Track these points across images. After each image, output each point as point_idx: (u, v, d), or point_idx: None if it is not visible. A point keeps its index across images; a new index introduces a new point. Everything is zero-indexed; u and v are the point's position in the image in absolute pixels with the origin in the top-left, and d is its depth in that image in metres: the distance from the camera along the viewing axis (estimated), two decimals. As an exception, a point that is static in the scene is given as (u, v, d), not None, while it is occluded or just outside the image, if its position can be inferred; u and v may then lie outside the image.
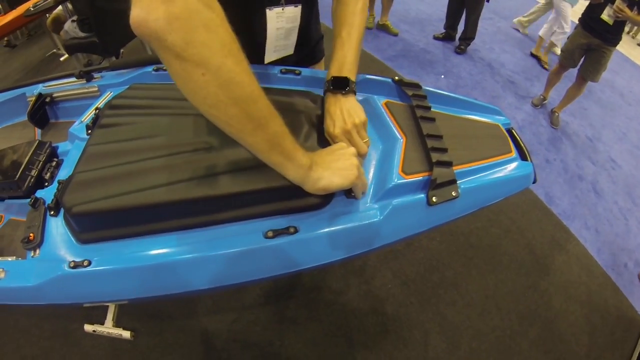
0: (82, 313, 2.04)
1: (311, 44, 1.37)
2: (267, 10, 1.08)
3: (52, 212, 1.04)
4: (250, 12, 1.11)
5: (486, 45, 5.33)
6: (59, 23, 3.70)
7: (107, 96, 1.31)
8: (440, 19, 5.30)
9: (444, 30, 5.24)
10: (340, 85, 0.99)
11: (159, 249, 0.90)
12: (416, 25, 5.53)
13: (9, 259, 1.08)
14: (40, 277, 0.95)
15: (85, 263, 0.90)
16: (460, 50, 5.03)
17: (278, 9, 1.10)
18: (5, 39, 5.32)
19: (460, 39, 5.09)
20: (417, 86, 1.13)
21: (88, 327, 1.31)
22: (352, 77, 1.01)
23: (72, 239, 0.97)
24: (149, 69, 1.33)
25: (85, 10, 2.95)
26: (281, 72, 1.19)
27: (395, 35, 5.17)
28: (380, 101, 1.11)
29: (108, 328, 1.29)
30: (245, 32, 1.10)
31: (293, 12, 1.12)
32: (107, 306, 1.32)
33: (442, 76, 4.55)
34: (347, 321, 2.13)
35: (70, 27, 3.25)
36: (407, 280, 2.33)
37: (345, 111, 0.95)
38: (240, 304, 2.17)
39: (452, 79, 4.52)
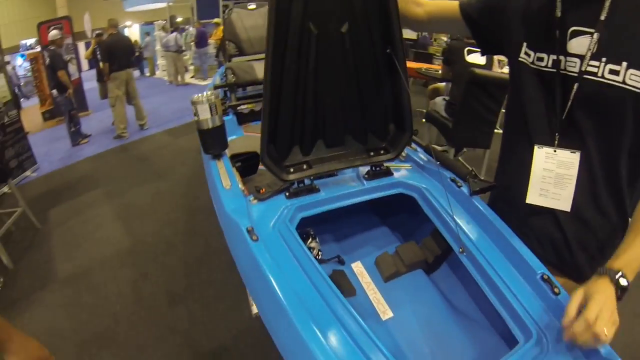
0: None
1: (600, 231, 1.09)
2: (536, 147, 1.06)
3: (287, 195, 1.29)
4: (520, 144, 1.11)
5: None
6: (436, 93, 4.34)
7: None
8: None
9: None
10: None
11: None
12: None
13: (241, 185, 1.41)
14: (233, 212, 1.23)
15: (254, 237, 1.10)
16: None
17: (549, 149, 1.04)
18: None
19: None
20: None
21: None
22: (629, 274, 0.88)
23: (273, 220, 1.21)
24: (448, 174, 1.42)
25: (457, 98, 3.37)
26: (542, 278, 1.05)
27: None
28: None
29: None
30: (514, 164, 1.16)
31: (568, 158, 1.02)
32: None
33: None
34: None
35: (439, 102, 3.78)
36: None
37: (605, 304, 0.82)
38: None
39: None
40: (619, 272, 0.87)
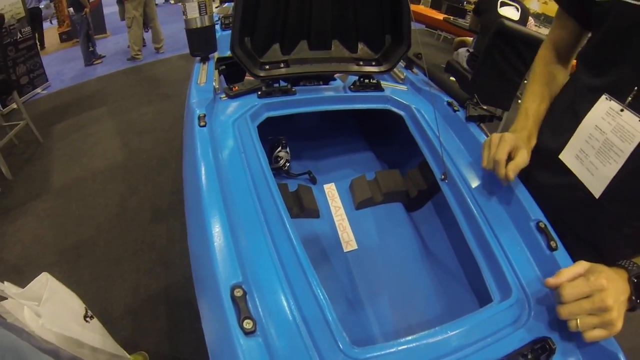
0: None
1: None
2: (603, 97, 0.78)
3: (259, 94, 1.20)
4: (583, 90, 0.86)
5: None
6: (462, 45, 4.06)
7: None
8: None
9: None
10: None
11: None
12: None
13: (216, 83, 1.29)
14: (195, 104, 1.11)
15: (202, 123, 1.00)
16: None
17: (615, 105, 0.76)
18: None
19: None
20: None
21: None
22: None
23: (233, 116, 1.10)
24: (445, 97, 1.28)
25: (480, 49, 3.13)
26: (537, 226, 0.86)
27: None
28: None
29: None
30: (566, 108, 0.90)
31: (631, 125, 0.73)
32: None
33: None
34: None
35: (462, 53, 3.53)
36: None
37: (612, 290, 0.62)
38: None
39: None
40: None
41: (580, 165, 0.82)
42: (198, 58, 1.57)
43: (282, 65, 1.18)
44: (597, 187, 0.79)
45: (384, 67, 1.24)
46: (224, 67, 1.54)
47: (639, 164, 0.73)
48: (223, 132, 0.98)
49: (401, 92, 1.31)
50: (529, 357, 0.64)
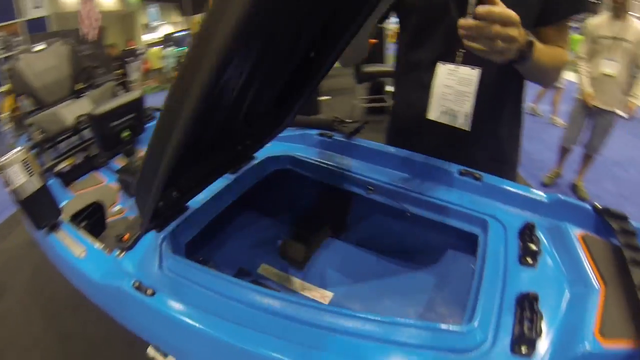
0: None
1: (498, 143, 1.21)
2: (439, 64, 1.07)
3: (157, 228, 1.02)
4: (419, 64, 1.14)
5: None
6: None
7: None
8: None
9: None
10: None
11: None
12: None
13: (97, 244, 1.11)
14: (104, 279, 0.96)
15: (149, 292, 0.85)
16: None
17: (451, 66, 1.05)
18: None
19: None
20: (624, 219, 0.88)
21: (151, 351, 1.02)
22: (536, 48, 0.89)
23: (156, 263, 0.94)
24: (313, 132, 1.35)
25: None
26: (460, 173, 1.11)
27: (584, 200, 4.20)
28: (574, 232, 0.89)
29: None
30: (413, 83, 1.18)
31: (468, 75, 1.02)
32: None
33: None
34: None
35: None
36: None
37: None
38: None
39: None
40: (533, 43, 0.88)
41: (446, 116, 1.09)
42: (45, 229, 1.31)
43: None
44: (465, 123, 1.07)
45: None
46: (85, 221, 1.34)
47: (481, 98, 1.03)
48: (168, 286, 0.88)
49: (270, 147, 1.32)
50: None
